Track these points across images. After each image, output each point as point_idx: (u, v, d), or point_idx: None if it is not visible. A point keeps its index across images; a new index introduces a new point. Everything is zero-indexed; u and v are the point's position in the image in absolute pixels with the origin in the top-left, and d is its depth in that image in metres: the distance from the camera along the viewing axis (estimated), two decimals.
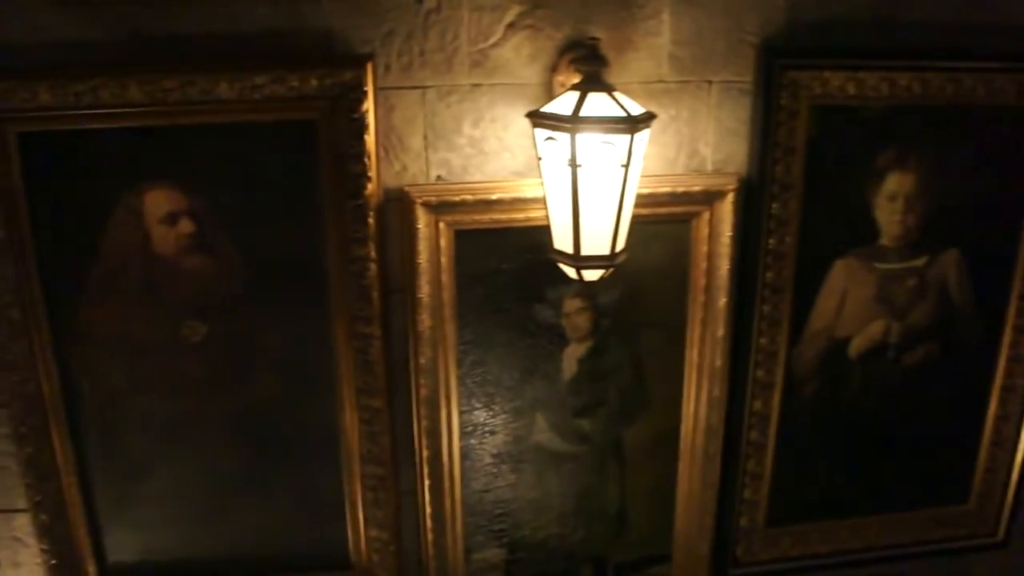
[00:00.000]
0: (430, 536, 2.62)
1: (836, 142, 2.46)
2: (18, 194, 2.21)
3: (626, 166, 2.06)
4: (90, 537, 2.55)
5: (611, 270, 2.19)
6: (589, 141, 2.04)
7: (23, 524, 2.55)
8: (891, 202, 2.54)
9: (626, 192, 2.10)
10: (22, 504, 2.52)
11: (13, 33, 2.13)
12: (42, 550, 2.54)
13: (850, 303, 2.64)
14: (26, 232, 2.25)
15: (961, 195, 2.60)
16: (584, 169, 2.05)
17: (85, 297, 2.33)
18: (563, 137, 2.05)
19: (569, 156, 2.04)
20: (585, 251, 2.14)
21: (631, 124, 2.03)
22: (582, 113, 2.04)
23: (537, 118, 2.11)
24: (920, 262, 2.64)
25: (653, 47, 2.34)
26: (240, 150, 2.25)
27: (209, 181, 2.27)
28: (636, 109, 2.10)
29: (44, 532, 2.51)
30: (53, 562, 2.54)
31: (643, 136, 2.11)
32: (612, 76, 2.28)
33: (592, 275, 2.18)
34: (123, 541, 2.58)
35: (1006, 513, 2.99)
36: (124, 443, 2.48)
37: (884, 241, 2.58)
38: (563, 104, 2.09)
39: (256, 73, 2.16)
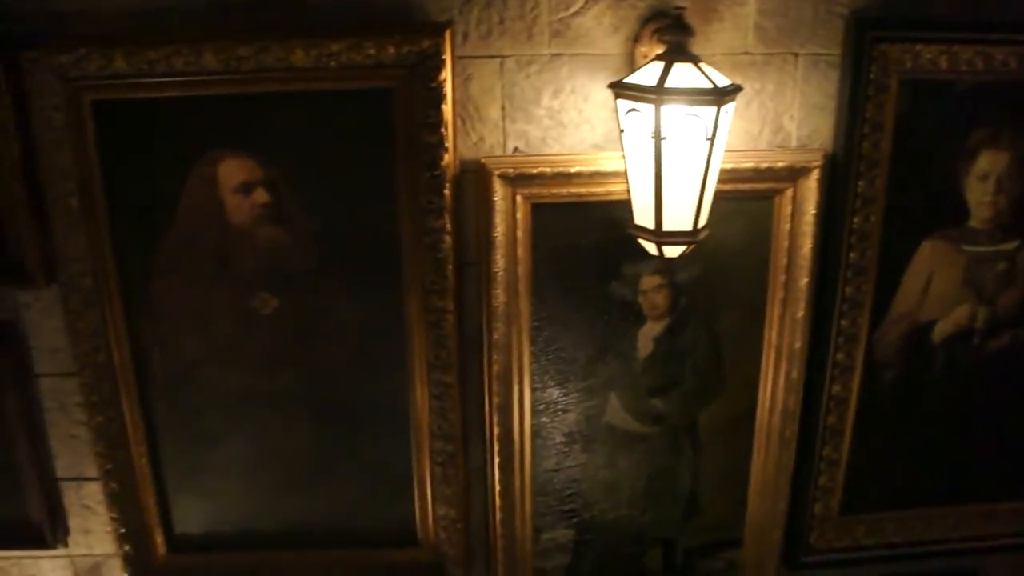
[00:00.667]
0: (499, 515, 2.59)
1: (926, 118, 2.37)
2: (92, 163, 2.22)
3: (711, 139, 2.00)
4: (158, 506, 2.56)
5: (692, 247, 2.13)
6: (674, 113, 1.97)
7: (93, 492, 2.58)
8: (982, 182, 2.44)
9: (710, 167, 2.03)
10: (92, 472, 2.54)
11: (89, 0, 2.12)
12: (111, 518, 2.56)
13: (936, 286, 2.55)
14: (100, 201, 2.25)
15: None
16: (668, 142, 1.98)
17: (157, 267, 2.33)
18: (647, 109, 1.98)
19: (653, 128, 1.98)
20: (667, 227, 2.08)
21: (718, 96, 1.96)
22: (667, 84, 1.97)
23: (620, 89, 2.05)
24: (1011, 246, 2.54)
25: (738, 17, 2.27)
26: (315, 119, 2.22)
27: (283, 151, 2.24)
28: (722, 81, 2.04)
29: (114, 500, 2.53)
30: (122, 530, 2.56)
31: (729, 109, 2.04)
32: (696, 47, 2.20)
33: (673, 251, 2.12)
34: (190, 511, 2.59)
35: None
36: (193, 414, 2.48)
37: (973, 223, 2.48)
38: (647, 75, 2.03)
39: (332, 40, 2.12)
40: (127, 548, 2.59)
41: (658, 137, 1.98)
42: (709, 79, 2.00)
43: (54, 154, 2.19)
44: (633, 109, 2.03)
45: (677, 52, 2.06)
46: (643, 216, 2.12)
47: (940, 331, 2.61)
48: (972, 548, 2.89)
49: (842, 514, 2.76)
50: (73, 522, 2.63)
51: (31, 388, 2.47)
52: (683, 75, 2.00)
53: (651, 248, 2.13)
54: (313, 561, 2.64)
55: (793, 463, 2.67)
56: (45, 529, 2.57)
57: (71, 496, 2.60)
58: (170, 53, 2.12)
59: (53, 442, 2.54)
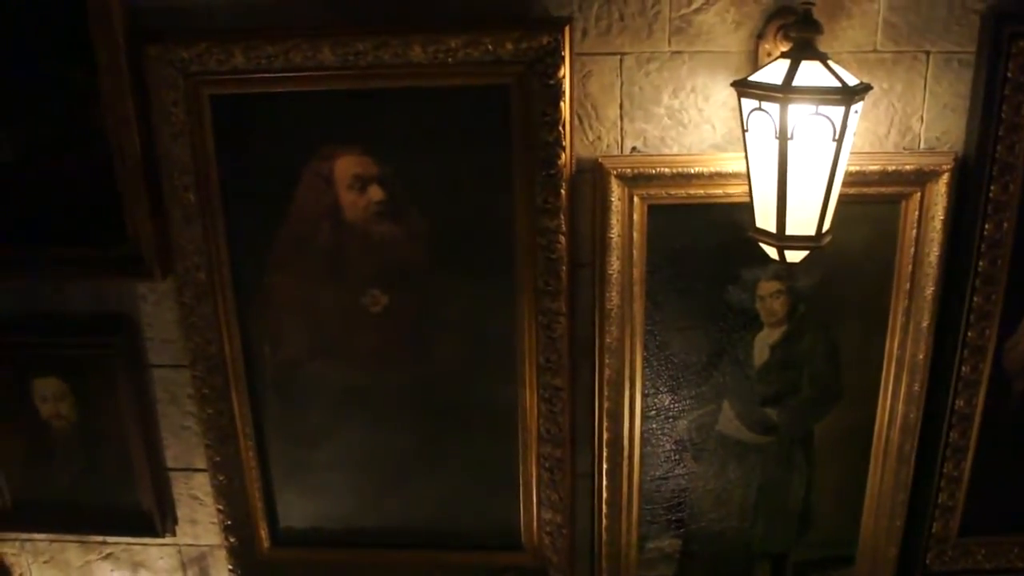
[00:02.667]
0: (605, 522, 2.54)
1: None
2: (210, 156, 2.25)
3: (838, 141, 1.92)
4: (263, 500, 2.59)
5: (815, 252, 2.05)
6: (800, 113, 1.90)
7: (201, 483, 2.61)
8: None
9: (837, 169, 1.96)
10: (201, 464, 2.58)
11: None
12: (218, 510, 2.60)
13: None
14: (216, 195, 2.28)
15: None
16: (794, 142, 1.92)
17: (270, 262, 2.36)
18: (772, 108, 1.92)
19: (778, 128, 1.91)
20: (790, 230, 2.01)
21: (847, 95, 1.89)
22: (794, 83, 1.90)
23: (744, 87, 1.98)
24: None
25: (867, 13, 2.18)
26: (431, 115, 2.21)
27: (399, 147, 2.24)
28: (851, 80, 1.96)
29: (220, 492, 2.56)
30: (228, 522, 2.60)
31: (857, 109, 1.96)
32: (821, 45, 2.13)
33: (795, 256, 2.05)
34: (295, 506, 2.61)
35: None
36: (300, 409, 2.50)
37: None
38: (773, 73, 1.96)
39: (450, 35, 2.11)
40: (232, 540, 2.62)
41: (784, 137, 1.91)
42: (838, 78, 1.92)
43: (172, 147, 2.22)
44: (758, 108, 1.96)
45: (804, 49, 1.98)
46: (765, 219, 2.05)
47: None
48: None
49: (962, 535, 2.64)
50: (181, 512, 2.68)
51: (145, 379, 2.52)
52: (810, 73, 1.93)
53: (772, 252, 2.06)
54: (415, 561, 2.63)
55: (912, 480, 2.57)
56: (155, 518, 2.62)
57: (180, 486, 2.64)
58: (288, 48, 2.13)
59: (164, 433, 2.58)
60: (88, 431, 2.53)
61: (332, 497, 2.58)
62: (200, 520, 2.67)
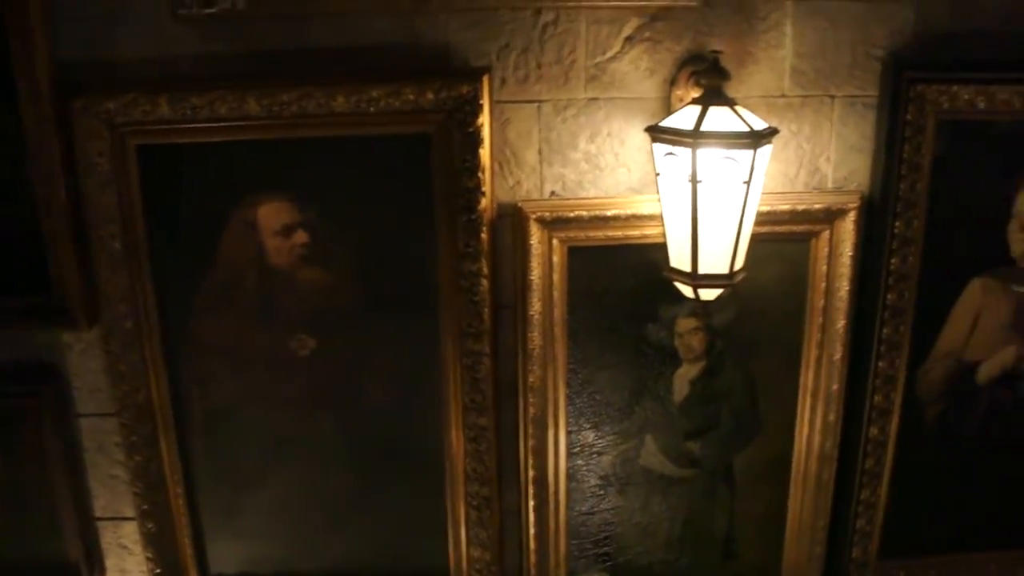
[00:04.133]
0: (533, 558, 2.58)
1: (965, 159, 2.36)
2: (136, 205, 2.25)
3: (748, 183, 2.00)
4: (194, 547, 2.57)
5: (728, 289, 2.13)
6: (710, 156, 1.98)
7: (130, 532, 2.59)
8: (1022, 221, 2.42)
9: (747, 209, 2.04)
10: (129, 512, 2.56)
11: (136, 48, 2.18)
12: (147, 558, 2.58)
13: (983, 326, 2.52)
14: (142, 243, 2.28)
15: None
16: (704, 185, 2.00)
17: (198, 308, 2.37)
18: (683, 152, 2.00)
19: (689, 172, 1.99)
20: (703, 269, 2.08)
21: (754, 139, 1.98)
22: (703, 128, 1.99)
23: (657, 132, 2.06)
24: None
25: (774, 60, 2.28)
26: (355, 163, 2.26)
27: (323, 194, 2.28)
28: (759, 124, 2.05)
29: (150, 540, 2.55)
30: (157, 571, 2.58)
31: (765, 152, 2.05)
32: (732, 90, 2.22)
33: (709, 294, 2.12)
34: (226, 552, 2.60)
35: None
36: (230, 454, 2.50)
37: (1019, 263, 2.46)
38: (684, 118, 2.04)
39: (372, 86, 2.16)
40: None
41: (695, 180, 1.99)
42: (745, 122, 2.01)
43: (98, 197, 2.22)
44: (670, 153, 2.04)
45: (713, 95, 2.08)
46: (679, 259, 2.12)
47: (985, 372, 2.57)
48: None
49: (881, 559, 2.71)
50: (110, 562, 2.65)
51: (72, 428, 2.49)
52: (719, 118, 2.02)
53: (687, 291, 2.14)
54: None
55: (831, 507, 2.65)
56: (82, 568, 2.57)
57: (108, 536, 2.62)
58: (213, 99, 2.16)
59: (92, 482, 2.56)
60: (13, 483, 2.49)
61: (263, 541, 2.58)
62: (129, 569, 2.64)
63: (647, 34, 2.23)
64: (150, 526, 2.52)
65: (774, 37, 2.27)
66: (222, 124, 2.18)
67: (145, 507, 2.50)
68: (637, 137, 2.25)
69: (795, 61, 2.29)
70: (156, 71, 2.19)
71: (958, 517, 2.73)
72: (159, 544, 2.54)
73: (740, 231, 2.06)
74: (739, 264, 2.12)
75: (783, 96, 2.31)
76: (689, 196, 2.01)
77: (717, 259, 2.08)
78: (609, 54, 2.24)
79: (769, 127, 2.06)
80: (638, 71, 2.25)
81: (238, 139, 2.21)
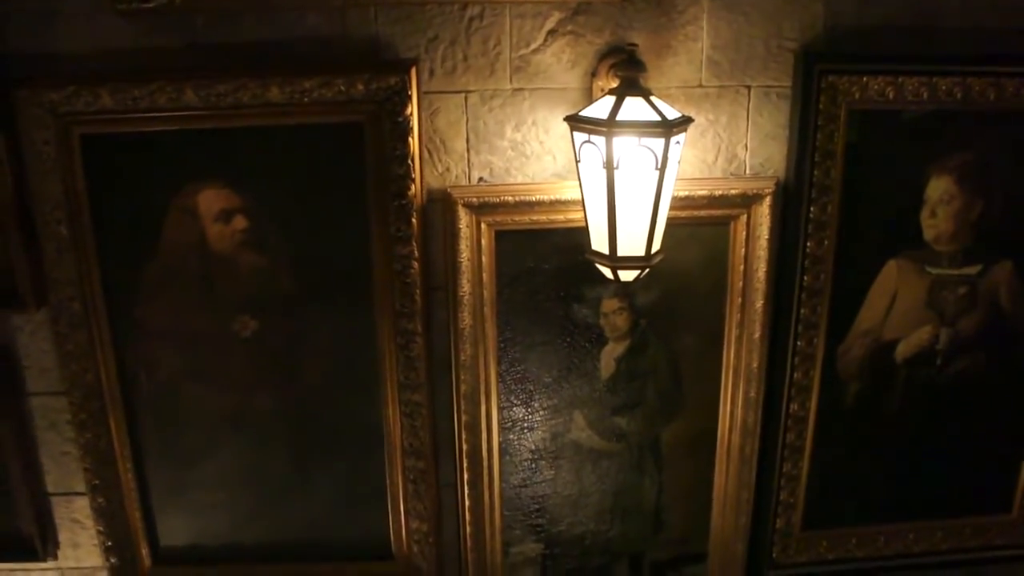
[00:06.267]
0: (469, 529, 2.68)
1: (876, 147, 2.47)
2: (80, 193, 2.33)
3: (661, 169, 2.10)
4: (144, 520, 2.66)
5: (647, 271, 2.22)
6: (625, 144, 2.08)
7: (82, 507, 2.67)
8: (933, 207, 2.54)
9: (661, 195, 2.14)
10: (81, 488, 2.64)
11: (78, 41, 2.26)
12: (98, 532, 2.66)
13: (899, 305, 2.64)
14: (87, 229, 2.36)
15: (1009, 203, 2.59)
16: (620, 172, 2.09)
17: (143, 291, 2.44)
18: (600, 140, 2.09)
19: (605, 159, 2.09)
20: (621, 252, 2.18)
21: (666, 128, 2.07)
22: (618, 117, 2.08)
23: (575, 122, 2.16)
24: (974, 270, 2.64)
25: (692, 52, 2.38)
26: (291, 151, 2.34)
27: (261, 181, 2.36)
28: (672, 113, 2.14)
29: (100, 515, 2.63)
30: (108, 543, 2.66)
31: (679, 140, 2.15)
32: (652, 81, 2.33)
33: (628, 275, 2.22)
34: (175, 525, 2.68)
35: None
36: (178, 432, 2.58)
37: (934, 246, 2.58)
38: (600, 108, 2.14)
39: (305, 78, 2.25)
40: (113, 560, 2.68)
41: (610, 167, 2.09)
42: (659, 112, 2.10)
43: (44, 184, 2.31)
44: (588, 141, 2.13)
45: (629, 87, 2.17)
46: (599, 242, 2.22)
47: (902, 350, 2.69)
48: (936, 562, 2.97)
49: (804, 529, 2.83)
50: (63, 536, 2.73)
51: (24, 407, 2.57)
52: (634, 108, 2.11)
53: (607, 272, 2.24)
54: (291, 573, 2.74)
55: (754, 479, 2.76)
56: (36, 542, 2.67)
57: (61, 510, 2.70)
58: (153, 90, 2.24)
59: (44, 459, 2.64)
60: None
61: (211, 515, 2.67)
62: (82, 543, 2.73)
63: (569, 27, 2.32)
64: (101, 501, 2.61)
65: (692, 31, 2.37)
66: (162, 114, 2.26)
67: (96, 482, 2.59)
68: (561, 126, 2.32)
69: (712, 53, 2.39)
70: (98, 63, 2.26)
71: (878, 489, 2.85)
72: (110, 518, 2.63)
73: (656, 215, 2.16)
74: (656, 247, 2.21)
75: (701, 86, 2.41)
76: (605, 182, 2.11)
77: (635, 242, 2.17)
78: (533, 46, 2.34)
79: (682, 116, 2.16)
80: (561, 63, 2.35)
81: (178, 128, 2.29)
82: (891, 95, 2.42)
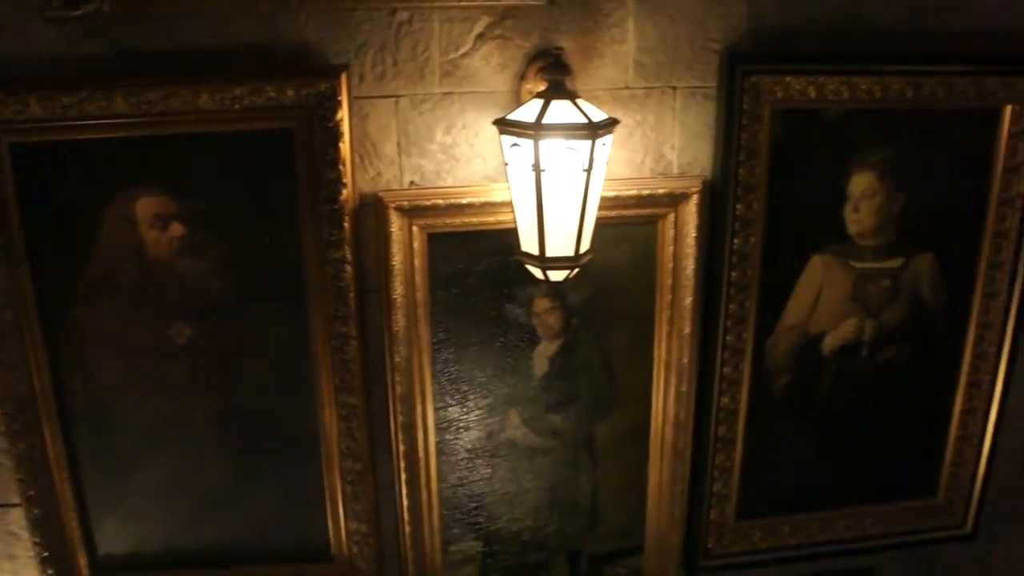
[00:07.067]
0: (407, 528, 2.70)
1: (799, 145, 2.54)
2: (10, 201, 2.30)
3: (588, 170, 2.14)
4: (81, 530, 2.63)
5: (576, 271, 2.27)
6: (552, 147, 2.12)
7: (17, 518, 2.64)
8: (856, 202, 2.62)
9: (589, 195, 2.18)
10: (16, 499, 2.61)
11: (5, 47, 2.23)
12: (35, 543, 2.63)
13: (825, 299, 2.72)
14: (18, 238, 2.33)
15: (928, 197, 2.67)
16: (547, 174, 2.13)
17: (77, 299, 2.42)
18: (527, 143, 2.13)
19: (533, 161, 2.12)
20: (550, 252, 2.22)
21: (592, 130, 2.11)
22: (545, 120, 2.12)
23: (503, 125, 2.20)
24: (896, 263, 2.73)
25: (618, 54, 2.43)
26: (222, 157, 2.34)
27: (195, 187, 2.36)
28: (598, 115, 2.18)
29: (36, 526, 2.60)
30: (45, 554, 2.63)
31: (605, 141, 2.19)
32: (579, 83, 2.38)
33: (557, 275, 2.26)
34: (113, 533, 2.66)
35: (973, 506, 3.07)
36: (114, 439, 2.56)
37: (858, 241, 2.66)
38: (527, 112, 2.17)
39: (235, 84, 2.25)
40: (51, 572, 2.65)
41: (538, 169, 2.13)
42: (585, 114, 2.14)
43: None
44: (516, 144, 2.17)
45: (556, 90, 2.21)
46: (529, 243, 2.26)
47: (829, 343, 2.77)
48: (866, 547, 3.06)
49: (738, 519, 2.90)
50: None
51: None
52: (561, 111, 2.15)
53: (537, 273, 2.28)
54: None
55: (688, 472, 2.82)
56: None
57: None
58: (82, 98, 2.23)
59: None
60: None
61: (150, 522, 2.66)
62: (18, 555, 2.70)
63: (497, 31, 2.36)
64: (36, 512, 2.58)
65: (618, 33, 2.41)
66: (92, 122, 2.25)
67: (31, 493, 2.56)
68: (491, 129, 2.35)
69: (638, 55, 2.44)
70: (27, 71, 2.24)
71: (809, 478, 2.93)
72: (46, 529, 2.60)
73: (584, 216, 2.20)
74: (585, 247, 2.26)
75: (628, 88, 2.46)
76: (534, 184, 2.15)
77: (563, 242, 2.22)
78: (462, 51, 2.37)
79: (608, 118, 2.20)
80: (489, 66, 2.38)
81: (109, 136, 2.28)
82: (813, 94, 2.49)
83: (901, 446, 2.97)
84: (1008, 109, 2.63)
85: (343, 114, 2.30)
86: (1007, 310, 2.84)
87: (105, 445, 2.57)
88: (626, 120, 2.45)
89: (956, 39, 2.57)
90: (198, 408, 2.55)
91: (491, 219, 2.44)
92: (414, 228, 2.42)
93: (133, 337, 2.48)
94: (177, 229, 2.39)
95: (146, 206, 2.37)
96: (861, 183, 2.61)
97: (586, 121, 2.13)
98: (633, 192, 2.49)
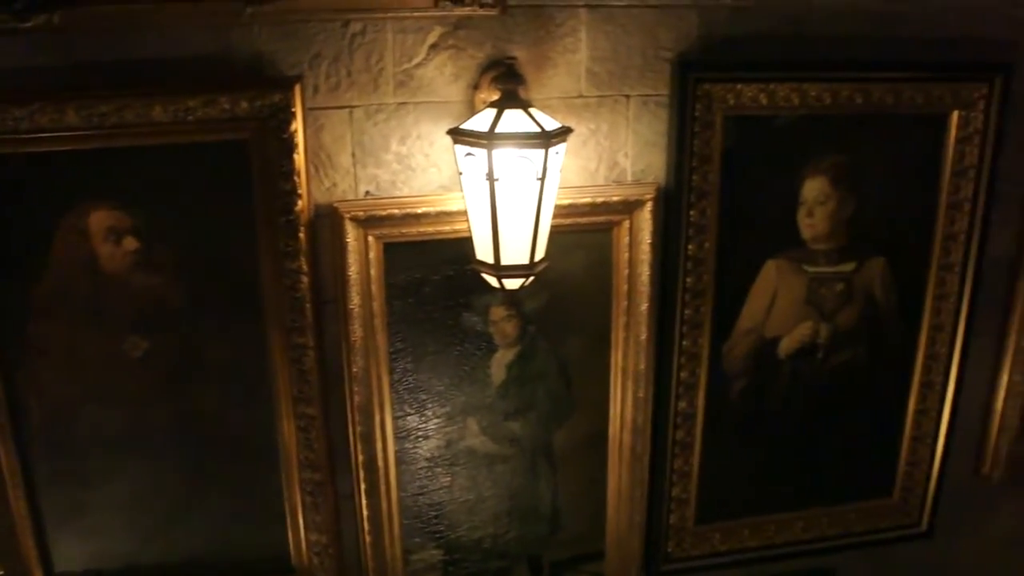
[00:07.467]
0: (368, 538, 2.70)
1: (751, 151, 2.58)
2: None
3: (542, 179, 2.16)
4: (37, 547, 2.59)
5: (531, 279, 2.28)
6: (506, 156, 2.13)
7: None
8: (808, 207, 2.66)
9: (543, 204, 2.20)
10: None
11: None
12: None
13: (780, 304, 2.75)
14: None
15: (879, 202, 2.72)
16: (501, 183, 2.14)
17: (33, 313, 2.39)
18: (481, 153, 2.14)
19: (487, 171, 2.14)
20: (505, 261, 2.23)
21: (545, 139, 2.13)
22: (498, 129, 2.13)
23: (457, 135, 2.21)
24: (849, 267, 2.77)
25: (571, 64, 2.45)
26: (177, 170, 2.33)
27: (149, 200, 2.34)
28: (551, 124, 2.20)
29: None
30: (1, 573, 2.60)
31: (558, 150, 2.21)
32: (533, 92, 2.40)
33: (512, 284, 2.27)
34: (70, 551, 2.63)
35: (928, 504, 3.12)
36: (71, 455, 2.53)
37: (811, 245, 2.70)
38: (481, 121, 2.19)
39: (189, 96, 2.24)
40: None
41: (492, 179, 2.14)
42: (538, 123, 2.16)
43: None
44: (470, 153, 2.18)
45: (509, 99, 2.23)
46: (484, 252, 2.27)
47: (785, 346, 2.81)
48: (825, 548, 3.10)
49: (698, 523, 2.93)
50: None
51: None
52: (514, 120, 2.16)
53: (492, 281, 2.29)
54: None
55: (647, 477, 2.84)
56: None
57: None
58: (34, 111, 2.20)
59: None
60: None
61: (107, 538, 2.63)
62: None
63: (451, 42, 2.37)
64: None
65: (570, 42, 2.43)
66: (44, 135, 2.22)
67: None
68: (445, 138, 2.35)
69: (591, 64, 2.46)
70: None
71: (767, 480, 2.97)
72: (1, 546, 2.56)
73: (538, 224, 2.22)
74: (540, 255, 2.27)
75: (581, 97, 2.48)
76: (488, 193, 2.16)
77: (518, 251, 2.23)
78: (415, 61, 2.37)
79: (561, 127, 2.22)
80: (443, 76, 2.39)
81: (61, 149, 2.25)
82: (764, 101, 2.53)
83: (857, 447, 3.01)
84: (955, 115, 2.68)
85: (297, 125, 2.30)
86: (958, 311, 2.90)
87: (62, 461, 2.54)
88: (580, 128, 2.47)
89: (905, 47, 2.62)
90: (157, 422, 2.53)
91: (447, 228, 2.45)
92: (370, 238, 2.42)
93: (88, 351, 2.45)
94: (131, 243, 2.36)
95: (99, 220, 2.35)
96: (814, 188, 2.65)
97: (539, 130, 2.15)
98: (588, 200, 2.51)
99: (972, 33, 2.66)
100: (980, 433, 3.20)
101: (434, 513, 2.74)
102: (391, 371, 2.56)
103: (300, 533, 2.67)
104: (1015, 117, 2.74)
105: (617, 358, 2.68)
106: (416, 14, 2.32)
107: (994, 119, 2.69)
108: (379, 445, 2.61)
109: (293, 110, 2.28)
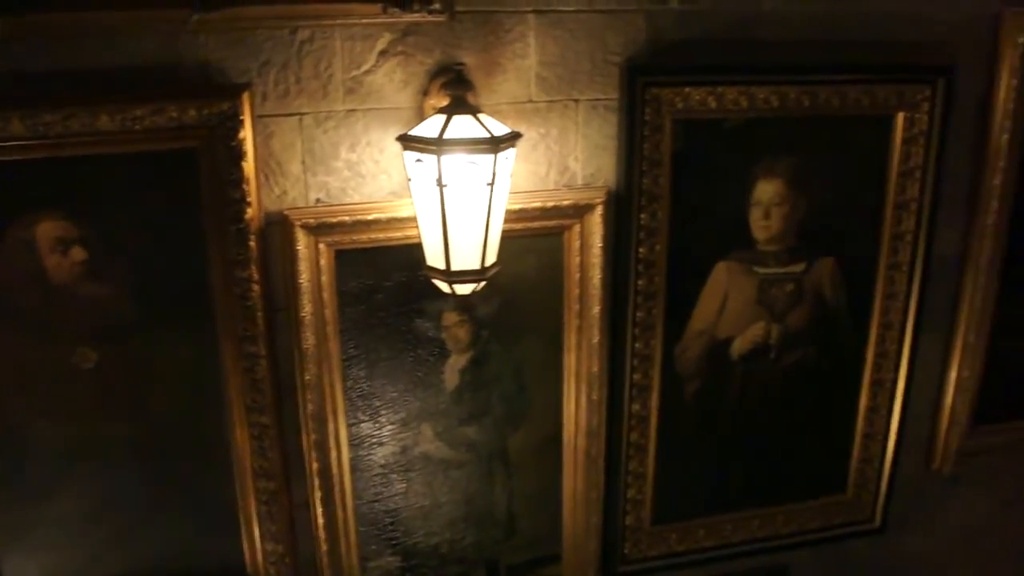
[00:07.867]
0: (324, 547, 2.69)
1: (701, 154, 2.61)
2: None
3: (491, 184, 2.17)
4: None
5: (483, 284, 2.29)
6: (455, 162, 2.14)
7: None
8: (759, 209, 2.70)
9: (493, 209, 2.20)
10: None
11: None
12: None
13: (731, 305, 2.78)
14: None
15: (828, 203, 2.76)
16: (451, 188, 2.15)
17: None
18: (430, 159, 2.15)
19: (436, 176, 2.14)
20: (455, 266, 2.24)
21: (494, 144, 2.14)
22: (447, 135, 2.14)
23: (406, 141, 2.21)
24: (798, 268, 2.81)
25: (520, 69, 2.46)
26: (126, 179, 2.31)
27: (98, 210, 2.31)
28: (500, 130, 2.21)
29: None
30: None
31: (508, 155, 2.22)
32: (482, 98, 2.40)
33: (464, 289, 2.28)
34: (22, 566, 2.59)
35: (881, 500, 3.17)
36: (22, 469, 2.50)
37: (761, 247, 2.73)
38: (429, 127, 2.20)
39: (135, 105, 2.22)
40: None
41: (441, 184, 2.14)
42: (487, 129, 2.17)
43: None
44: (419, 159, 2.18)
45: (458, 105, 2.24)
46: (434, 257, 2.27)
47: (737, 347, 2.84)
48: (781, 545, 3.14)
49: (654, 523, 2.95)
50: None
51: None
52: (463, 126, 2.17)
53: (444, 287, 2.29)
54: None
55: (603, 479, 2.86)
56: None
57: None
58: None
59: None
60: None
61: (61, 552, 2.59)
62: None
63: (399, 48, 2.37)
64: None
65: (519, 48, 2.44)
66: None
67: None
68: (395, 145, 2.36)
69: (540, 69, 2.47)
70: None
71: (721, 480, 3.00)
72: None
73: (488, 229, 2.23)
74: (491, 260, 2.28)
75: (531, 102, 2.49)
76: (438, 199, 2.16)
77: (468, 256, 2.24)
78: (364, 68, 2.37)
79: (510, 132, 2.23)
80: (393, 83, 2.39)
81: (5, 159, 2.23)
82: (712, 104, 2.55)
83: (810, 445, 3.05)
84: (900, 116, 2.73)
85: (246, 133, 2.29)
86: (906, 310, 2.94)
87: (12, 475, 2.50)
88: (529, 133, 2.48)
89: (851, 50, 2.66)
90: (109, 433, 2.50)
91: (398, 234, 2.45)
92: (321, 245, 2.41)
93: (37, 364, 2.41)
94: (79, 254, 2.34)
95: (46, 230, 2.32)
96: (768, 190, 2.68)
97: (488, 136, 2.16)
98: (538, 204, 2.52)
99: (916, 37, 2.71)
100: (930, 429, 3.26)
101: (390, 520, 2.74)
102: (344, 378, 2.55)
103: (255, 543, 2.65)
104: (959, 118, 2.79)
105: (570, 361, 2.70)
106: (364, 21, 2.32)
107: (938, 120, 2.74)
108: (333, 453, 2.60)
109: (242, 118, 2.27)
